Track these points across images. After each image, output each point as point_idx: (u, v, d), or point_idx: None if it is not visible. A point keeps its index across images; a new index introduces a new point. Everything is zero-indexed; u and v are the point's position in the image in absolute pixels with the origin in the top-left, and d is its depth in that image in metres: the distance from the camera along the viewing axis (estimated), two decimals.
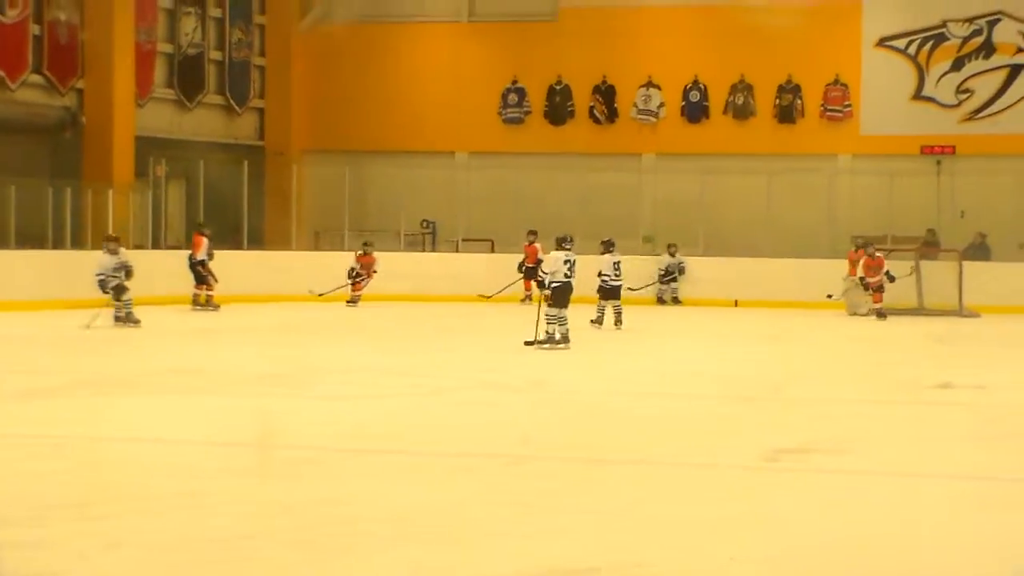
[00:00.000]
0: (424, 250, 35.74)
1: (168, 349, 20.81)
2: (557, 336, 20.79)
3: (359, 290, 30.30)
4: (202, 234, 28.64)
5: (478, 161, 37.45)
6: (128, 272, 24.38)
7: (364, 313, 28.57)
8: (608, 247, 24.33)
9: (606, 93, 37.13)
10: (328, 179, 36.51)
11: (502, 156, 36.95)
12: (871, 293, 29.00)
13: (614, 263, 24.12)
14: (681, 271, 32.52)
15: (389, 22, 38.16)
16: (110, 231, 27.29)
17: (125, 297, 24.17)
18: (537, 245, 30.11)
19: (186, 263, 28.57)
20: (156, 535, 8.52)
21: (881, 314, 28.62)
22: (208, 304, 28.46)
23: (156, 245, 33.00)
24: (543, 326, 20.91)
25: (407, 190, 36.09)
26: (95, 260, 24.55)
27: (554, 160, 36.38)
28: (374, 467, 11.23)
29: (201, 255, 28.40)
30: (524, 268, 30.83)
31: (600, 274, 24.22)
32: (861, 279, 28.93)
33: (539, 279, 22.30)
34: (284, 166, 37.00)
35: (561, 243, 21.48)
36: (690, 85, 36.77)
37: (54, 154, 32.36)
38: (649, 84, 36.90)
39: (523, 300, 30.71)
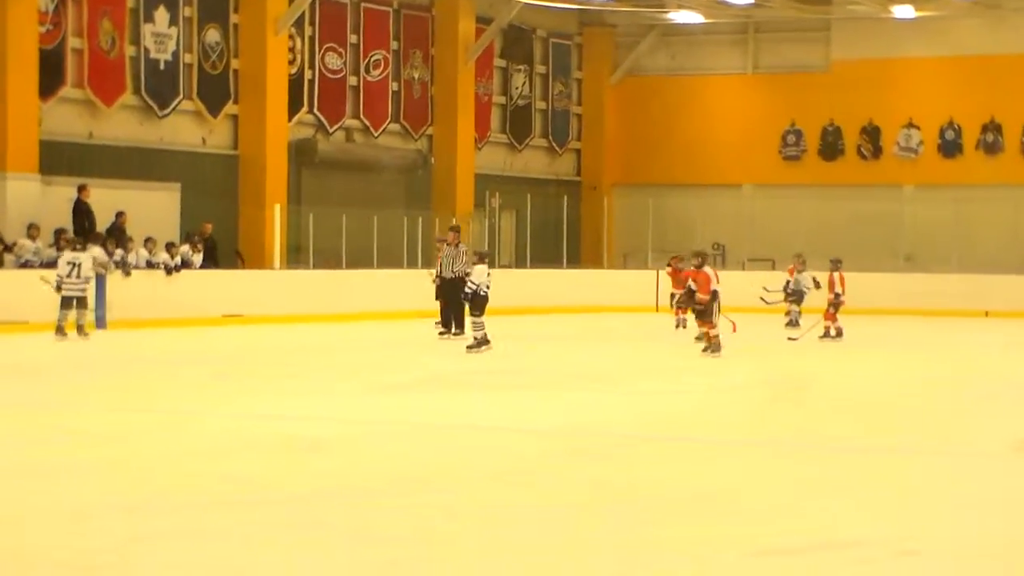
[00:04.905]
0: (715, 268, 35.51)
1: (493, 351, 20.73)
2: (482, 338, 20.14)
3: None
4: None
5: (761, 192, 37.28)
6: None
7: (647, 320, 28.06)
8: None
9: (872, 133, 36.55)
10: (634, 209, 36.77)
11: (782, 188, 36.77)
12: None
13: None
14: None
15: (685, 75, 38.16)
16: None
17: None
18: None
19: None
20: (484, 507, 8.71)
21: None
22: None
23: (491, 265, 33.42)
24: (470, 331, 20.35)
25: (701, 217, 36.10)
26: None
27: (826, 191, 36.02)
28: (669, 452, 11.30)
29: None
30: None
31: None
32: None
33: (464, 291, 20.58)
34: (597, 198, 37.48)
35: (483, 257, 20.79)
36: (946, 125, 35.95)
37: (408, 189, 33.21)
38: (910, 125, 36.19)
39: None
